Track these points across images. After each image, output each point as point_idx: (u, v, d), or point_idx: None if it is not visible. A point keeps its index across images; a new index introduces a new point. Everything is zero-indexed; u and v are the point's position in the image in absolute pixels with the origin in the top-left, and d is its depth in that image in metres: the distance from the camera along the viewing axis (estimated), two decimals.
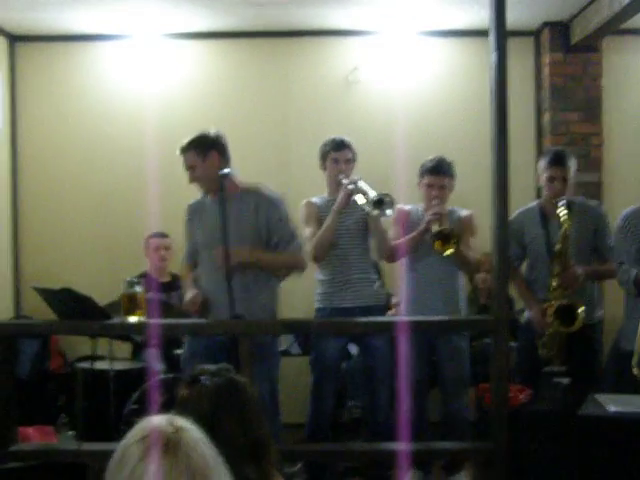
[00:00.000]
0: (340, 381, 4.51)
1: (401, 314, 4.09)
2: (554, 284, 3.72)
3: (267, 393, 3.52)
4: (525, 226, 3.93)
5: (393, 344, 3.96)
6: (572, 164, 3.90)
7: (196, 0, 4.75)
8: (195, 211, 3.71)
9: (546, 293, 3.78)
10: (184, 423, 1.39)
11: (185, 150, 3.61)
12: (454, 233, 3.79)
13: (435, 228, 3.82)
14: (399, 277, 4.14)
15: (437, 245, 3.79)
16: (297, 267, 3.67)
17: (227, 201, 3.49)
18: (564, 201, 3.70)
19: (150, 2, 4.71)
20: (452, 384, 3.99)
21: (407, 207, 4.08)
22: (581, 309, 3.67)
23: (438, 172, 3.94)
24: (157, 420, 1.38)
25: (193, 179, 3.60)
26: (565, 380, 3.59)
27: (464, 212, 4.05)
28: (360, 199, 3.77)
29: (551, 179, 3.83)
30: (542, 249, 3.84)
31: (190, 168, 3.59)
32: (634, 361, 3.36)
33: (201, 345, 3.54)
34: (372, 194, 3.70)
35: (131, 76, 5.44)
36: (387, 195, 3.68)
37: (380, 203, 3.68)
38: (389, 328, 3.67)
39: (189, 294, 3.60)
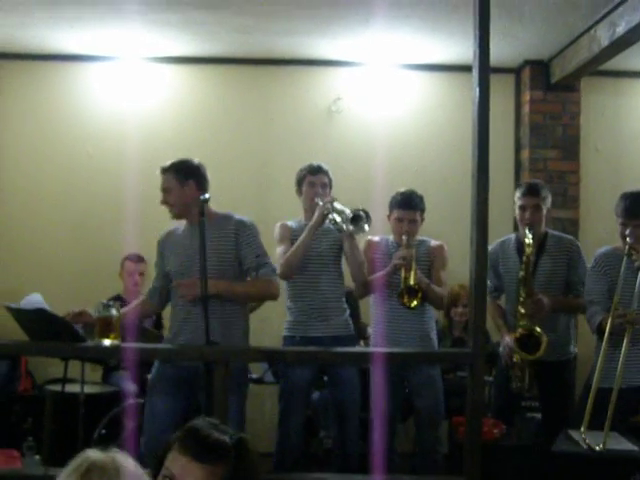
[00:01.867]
0: (312, 411, 4.48)
1: (373, 345, 4.07)
2: (519, 311, 3.76)
3: (235, 420, 3.48)
4: (500, 257, 3.99)
5: (364, 375, 3.96)
6: (546, 195, 3.97)
7: (182, 25, 4.76)
8: (165, 243, 3.69)
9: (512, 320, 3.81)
10: (120, 455, 1.50)
11: (165, 171, 3.61)
12: (419, 286, 3.79)
13: (402, 277, 3.80)
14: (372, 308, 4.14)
15: (404, 300, 3.79)
16: (268, 294, 3.62)
17: (195, 233, 3.51)
18: (531, 232, 3.79)
19: (136, 25, 4.71)
20: (426, 415, 3.97)
21: (376, 238, 4.07)
22: (544, 337, 3.69)
23: (408, 206, 3.92)
24: (93, 453, 1.51)
25: (165, 202, 3.60)
26: (537, 415, 3.60)
27: (434, 243, 4.05)
28: (336, 217, 3.76)
29: (523, 208, 3.91)
30: (515, 281, 3.87)
31: (165, 190, 3.59)
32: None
33: (170, 370, 3.49)
34: (347, 211, 3.71)
35: (114, 98, 5.43)
36: (362, 210, 3.69)
37: (356, 219, 3.69)
38: (365, 359, 3.67)
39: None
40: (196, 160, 3.65)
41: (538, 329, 3.72)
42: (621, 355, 3.40)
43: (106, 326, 3.24)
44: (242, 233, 3.54)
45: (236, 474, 1.72)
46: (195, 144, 5.22)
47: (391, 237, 4.04)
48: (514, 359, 3.75)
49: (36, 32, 4.91)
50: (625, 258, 3.63)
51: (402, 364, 3.89)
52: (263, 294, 3.65)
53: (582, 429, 3.23)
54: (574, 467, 3.22)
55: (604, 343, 3.48)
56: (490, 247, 3.81)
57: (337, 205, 3.80)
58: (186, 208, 3.56)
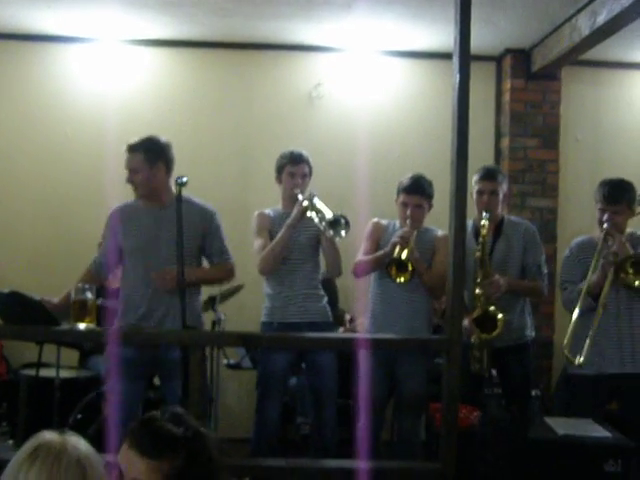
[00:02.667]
0: (289, 397, 4.48)
1: (365, 330, 4.05)
2: (477, 292, 3.79)
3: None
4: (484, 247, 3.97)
5: (343, 360, 3.96)
6: (502, 180, 3.99)
7: (161, 8, 4.70)
8: (120, 218, 3.65)
9: (469, 302, 3.83)
10: (73, 438, 1.55)
11: (134, 150, 3.60)
12: (410, 262, 3.73)
13: (396, 252, 3.75)
14: (358, 294, 4.12)
15: (392, 271, 3.74)
16: (231, 277, 3.83)
17: (164, 209, 3.53)
18: (488, 214, 3.83)
19: (115, 7, 4.65)
20: (409, 404, 3.96)
21: (384, 222, 4.02)
22: (500, 316, 3.73)
23: (413, 191, 3.86)
24: (48, 434, 1.56)
25: (133, 181, 3.58)
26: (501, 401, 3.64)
27: (440, 232, 3.99)
28: (314, 217, 3.75)
29: (480, 192, 3.93)
30: (474, 264, 3.87)
31: (133, 170, 3.58)
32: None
33: (129, 353, 3.45)
34: (327, 214, 3.67)
35: (92, 80, 5.37)
36: (342, 217, 3.65)
37: (335, 224, 3.66)
38: (343, 345, 3.66)
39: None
40: (163, 138, 3.65)
41: (492, 307, 3.75)
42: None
43: (81, 309, 3.21)
44: (208, 221, 3.63)
45: (188, 470, 1.62)
46: (174, 127, 5.17)
47: (397, 221, 4.01)
48: (472, 340, 3.77)
49: (13, 11, 4.83)
50: (600, 243, 3.67)
51: (390, 351, 3.87)
52: (227, 277, 3.84)
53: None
54: (549, 454, 3.25)
55: (598, 312, 3.54)
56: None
57: (317, 202, 3.77)
58: (152, 190, 3.58)
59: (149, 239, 3.55)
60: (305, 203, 3.77)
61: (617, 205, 3.67)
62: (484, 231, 3.79)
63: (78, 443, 1.54)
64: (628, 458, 3.22)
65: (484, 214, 3.85)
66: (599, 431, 3.36)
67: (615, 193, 3.68)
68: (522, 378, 3.96)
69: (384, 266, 3.81)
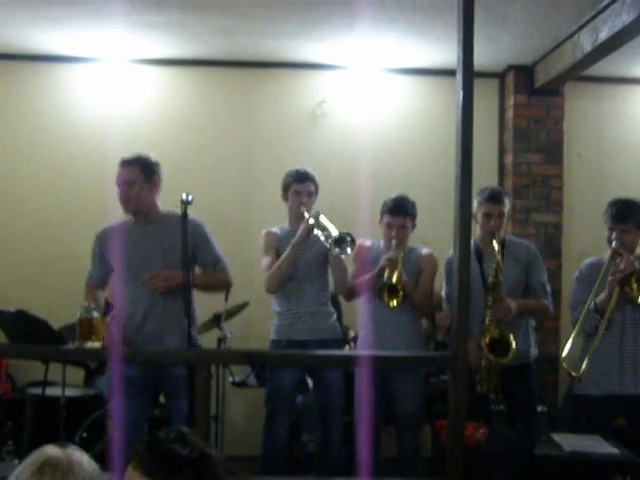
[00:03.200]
0: (295, 414, 4.47)
1: (359, 349, 4.07)
2: (488, 317, 3.79)
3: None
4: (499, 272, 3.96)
5: (348, 378, 3.96)
6: (507, 201, 3.99)
7: (165, 27, 4.74)
8: (107, 240, 3.70)
9: (481, 326, 3.83)
10: (76, 452, 1.53)
11: (130, 164, 3.63)
12: (401, 286, 3.78)
13: (385, 276, 3.80)
14: (357, 312, 4.13)
15: (384, 297, 3.79)
16: (223, 287, 3.86)
17: (151, 224, 3.60)
18: (497, 236, 3.85)
19: (119, 27, 4.69)
20: (407, 419, 3.97)
21: (368, 243, 4.07)
22: (513, 341, 3.74)
23: (398, 212, 3.92)
24: (50, 449, 1.53)
25: (127, 195, 3.59)
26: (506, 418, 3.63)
27: (424, 250, 4.04)
28: (320, 235, 3.76)
29: (487, 215, 3.91)
30: (477, 284, 3.87)
31: (127, 183, 3.60)
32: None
33: (130, 371, 3.45)
34: (333, 232, 3.68)
35: (97, 99, 5.40)
36: (348, 234, 3.66)
37: (340, 241, 3.68)
38: (347, 362, 3.66)
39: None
40: (152, 157, 3.72)
41: (510, 334, 3.76)
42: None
43: (88, 328, 3.22)
44: (197, 232, 3.64)
45: None
46: (179, 146, 5.22)
47: (382, 242, 4.04)
48: (482, 363, 3.77)
49: (18, 32, 4.87)
50: (607, 261, 3.69)
51: (385, 369, 3.88)
52: (221, 285, 3.84)
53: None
54: (556, 470, 3.24)
55: (599, 331, 3.56)
56: (446, 255, 3.88)
57: (322, 220, 3.79)
58: (143, 205, 3.63)
59: (140, 255, 3.59)
60: (311, 221, 3.78)
61: (625, 224, 3.69)
62: (499, 256, 3.79)
63: (82, 459, 1.53)
64: (636, 474, 3.21)
65: (494, 240, 3.84)
66: (606, 447, 3.35)
67: (623, 212, 3.69)
68: (526, 396, 3.95)
69: (372, 289, 3.86)
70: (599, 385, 3.68)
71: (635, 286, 3.52)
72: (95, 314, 3.24)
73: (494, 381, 3.80)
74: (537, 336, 4.16)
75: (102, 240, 3.72)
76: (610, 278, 3.63)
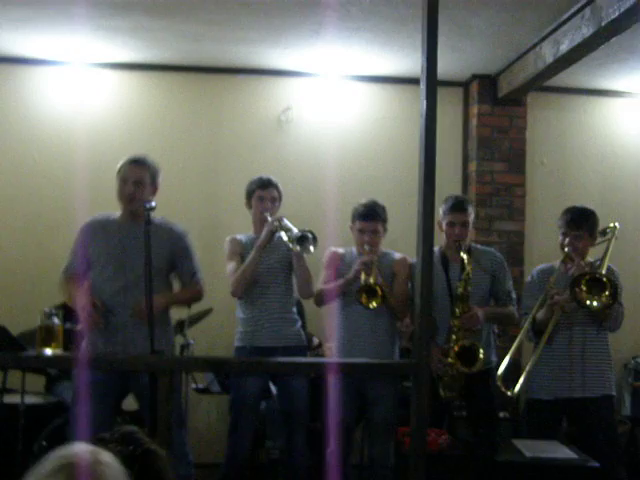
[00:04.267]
0: (259, 421, 4.46)
1: (333, 355, 4.06)
2: (456, 325, 3.81)
3: (174, 422, 3.47)
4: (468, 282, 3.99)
5: (313, 385, 3.96)
6: (471, 211, 4.03)
7: (130, 31, 4.71)
8: (93, 233, 3.65)
9: (447, 335, 3.85)
10: (105, 457, 1.41)
11: (141, 164, 3.63)
12: (379, 287, 3.78)
13: (362, 279, 3.80)
14: (325, 319, 4.13)
15: (362, 299, 3.78)
16: (195, 300, 3.88)
17: (138, 227, 3.53)
18: (464, 246, 3.88)
19: (84, 30, 4.65)
20: (379, 429, 3.97)
21: (341, 250, 4.08)
22: (481, 350, 3.77)
23: (369, 217, 3.93)
24: (79, 449, 1.41)
25: (135, 194, 3.56)
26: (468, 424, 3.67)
27: (397, 255, 4.06)
28: (283, 236, 3.76)
29: (451, 224, 3.95)
30: (442, 293, 3.91)
31: (138, 183, 3.59)
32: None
33: (97, 376, 3.43)
34: (295, 231, 3.71)
35: (61, 103, 5.33)
36: (309, 232, 3.68)
37: (303, 240, 3.68)
38: (311, 369, 3.66)
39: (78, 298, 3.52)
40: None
41: (478, 344, 3.79)
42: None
43: (48, 335, 3.17)
44: (180, 243, 3.68)
45: None
46: (143, 151, 5.09)
47: (354, 249, 4.04)
48: (448, 370, 3.80)
49: None
50: (558, 266, 3.76)
51: (356, 376, 3.89)
52: (195, 299, 3.87)
53: None
54: (517, 476, 3.27)
55: (538, 347, 3.62)
56: (413, 261, 3.89)
57: (285, 223, 3.80)
58: (141, 208, 3.56)
59: (121, 258, 3.57)
60: (274, 224, 3.79)
61: (579, 230, 3.77)
62: (469, 268, 3.80)
63: (108, 468, 1.43)
64: (593, 478, 3.26)
65: (461, 250, 3.86)
66: (566, 453, 3.40)
67: (577, 218, 3.78)
68: (488, 402, 3.98)
69: (347, 294, 3.86)
70: (549, 389, 3.75)
71: (585, 288, 3.58)
72: (56, 320, 3.20)
73: (458, 387, 3.83)
74: (501, 342, 4.21)
75: (83, 233, 3.66)
76: (549, 301, 3.69)
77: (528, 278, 3.98)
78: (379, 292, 3.76)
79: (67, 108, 5.32)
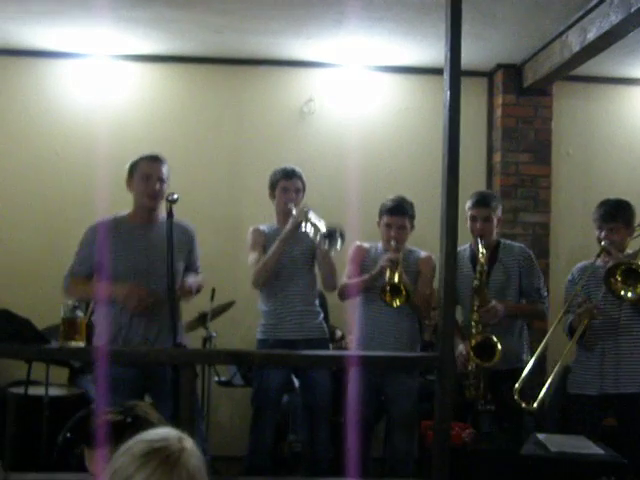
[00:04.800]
0: (282, 414, 4.45)
1: (353, 349, 4.04)
2: (474, 319, 3.78)
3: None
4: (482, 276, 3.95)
5: (336, 379, 3.94)
6: (496, 205, 3.99)
7: (152, 23, 4.70)
8: (113, 232, 3.58)
9: (467, 329, 3.83)
10: (189, 443, 1.46)
11: (163, 161, 3.63)
12: (404, 286, 3.74)
13: (387, 276, 3.76)
14: (348, 312, 4.11)
15: (386, 297, 3.75)
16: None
17: (156, 227, 3.54)
18: (483, 241, 3.84)
19: (105, 22, 4.64)
20: (400, 422, 3.94)
21: (366, 245, 4.05)
22: (499, 344, 3.72)
23: (397, 212, 3.90)
24: (166, 433, 1.47)
25: (160, 191, 3.53)
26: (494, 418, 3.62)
27: (423, 253, 4.02)
28: (309, 230, 3.73)
29: (473, 218, 3.93)
30: (467, 288, 3.88)
31: (161, 180, 3.57)
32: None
33: (115, 371, 3.41)
34: (322, 227, 3.65)
35: (83, 96, 5.35)
36: (338, 228, 3.63)
37: (330, 237, 3.65)
38: (333, 362, 3.64)
39: (118, 289, 3.47)
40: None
41: (494, 337, 3.74)
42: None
43: (71, 328, 3.18)
44: (192, 238, 3.69)
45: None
46: (165, 144, 5.14)
47: (380, 245, 4.01)
48: (469, 367, 3.76)
49: (1, 26, 4.82)
50: (594, 259, 3.69)
51: (379, 370, 3.86)
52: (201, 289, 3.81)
53: None
54: (543, 471, 3.23)
55: (576, 346, 3.56)
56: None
57: (311, 216, 3.75)
58: (159, 205, 3.57)
59: (143, 260, 3.52)
60: (300, 217, 3.76)
61: (614, 222, 3.69)
62: (482, 259, 3.79)
63: (192, 456, 1.46)
64: (621, 475, 3.20)
65: (479, 243, 3.85)
66: (592, 448, 3.34)
67: (612, 211, 3.70)
68: (517, 402, 3.92)
69: (370, 290, 3.84)
70: (589, 385, 3.69)
71: (620, 278, 3.52)
72: (79, 313, 3.20)
73: (482, 386, 3.78)
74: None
75: (94, 236, 3.59)
76: (578, 310, 3.62)
77: (569, 276, 3.90)
78: (403, 291, 3.74)
79: (89, 101, 5.33)
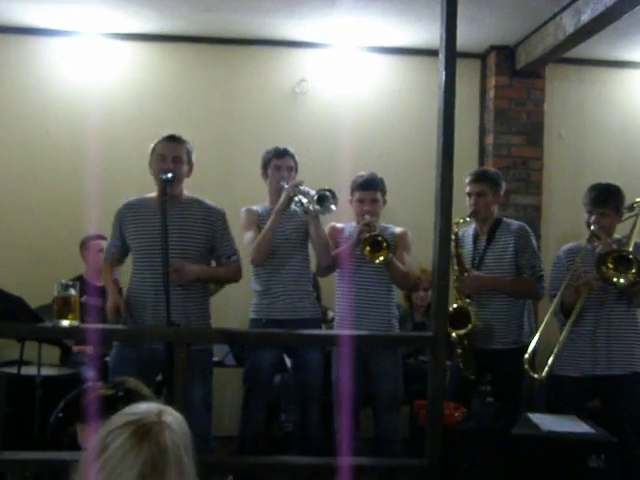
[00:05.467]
0: (273, 394, 4.46)
1: (337, 325, 4.06)
2: (455, 288, 3.83)
3: (201, 405, 3.48)
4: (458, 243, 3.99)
5: (328, 359, 3.96)
6: (494, 181, 4.01)
7: (145, 2, 4.66)
8: (127, 216, 3.61)
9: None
10: (169, 418, 1.47)
11: (180, 141, 3.61)
12: (385, 240, 3.76)
13: (367, 235, 3.80)
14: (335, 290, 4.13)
15: (367, 252, 3.76)
16: (237, 277, 3.75)
17: (177, 208, 3.50)
18: (475, 215, 3.92)
19: (98, 0, 4.60)
20: (385, 400, 3.98)
21: (340, 225, 4.08)
22: (472, 312, 3.76)
23: (368, 187, 3.93)
24: (147, 407, 1.48)
25: (173, 170, 3.49)
26: (491, 399, 3.64)
27: (398, 229, 4.05)
28: (303, 199, 3.74)
29: (469, 195, 3.97)
30: (469, 264, 3.94)
31: (177, 159, 3.54)
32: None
33: (132, 352, 3.45)
34: (313, 193, 3.68)
35: (74, 75, 5.30)
36: (328, 190, 3.67)
37: (323, 199, 3.67)
38: (327, 341, 3.65)
39: (110, 298, 3.53)
40: None
41: (468, 306, 3.79)
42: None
43: (64, 306, 3.15)
44: (217, 221, 3.64)
45: None
46: (156, 123, 5.12)
47: (354, 223, 4.02)
48: (458, 350, 3.79)
49: None
50: (585, 245, 3.71)
51: (363, 349, 3.88)
52: (234, 278, 3.76)
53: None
54: (533, 450, 3.26)
55: (566, 327, 3.57)
56: (562, 249, 3.94)
57: (302, 187, 3.78)
58: (179, 186, 3.57)
59: (157, 239, 3.44)
60: (292, 189, 3.76)
61: (604, 207, 3.71)
62: (456, 228, 3.82)
63: (168, 430, 1.45)
64: (611, 453, 3.24)
65: (469, 214, 3.90)
66: (582, 427, 3.38)
67: (602, 195, 3.73)
68: (515, 381, 3.94)
69: (351, 259, 3.86)
70: (576, 366, 3.72)
71: (612, 265, 3.54)
72: (72, 292, 3.18)
73: (471, 360, 3.83)
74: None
75: (123, 216, 3.62)
76: (576, 283, 3.64)
77: (555, 259, 3.93)
78: (384, 243, 3.74)
79: (79, 80, 5.29)
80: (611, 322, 3.72)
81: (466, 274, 3.85)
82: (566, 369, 3.74)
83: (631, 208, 3.84)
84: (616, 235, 3.78)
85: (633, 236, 3.68)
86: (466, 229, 4.10)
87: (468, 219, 3.92)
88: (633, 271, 3.47)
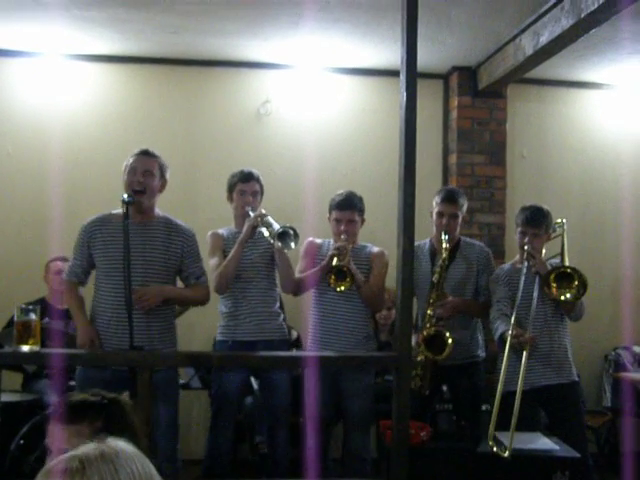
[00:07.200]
0: (246, 416, 4.43)
1: (306, 349, 4.06)
2: (429, 313, 3.86)
3: (167, 427, 3.44)
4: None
5: (295, 380, 3.94)
6: (463, 203, 4.07)
7: (107, 23, 4.64)
8: (104, 227, 3.53)
9: (422, 323, 3.90)
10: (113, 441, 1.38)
11: (151, 155, 3.57)
12: (348, 270, 3.78)
13: (334, 262, 3.81)
14: (301, 313, 4.12)
15: (331, 280, 3.79)
16: (205, 299, 3.72)
17: (144, 226, 3.48)
18: (447, 236, 3.93)
19: (61, 22, 4.58)
20: (356, 419, 3.97)
21: (318, 241, 4.09)
22: (450, 339, 3.79)
23: (346, 207, 3.94)
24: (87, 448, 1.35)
25: (145, 185, 3.47)
26: (452, 417, 3.66)
27: (375, 249, 4.07)
28: (265, 231, 3.73)
29: (440, 215, 4.01)
30: (425, 284, 3.98)
31: (148, 174, 3.51)
32: None
33: (96, 372, 3.40)
34: (276, 226, 3.68)
35: (36, 95, 5.25)
36: (291, 228, 3.66)
37: (284, 235, 3.66)
38: (292, 363, 3.64)
39: (81, 330, 3.47)
40: None
41: (447, 332, 3.82)
42: (522, 365, 3.62)
43: (25, 331, 3.11)
44: (186, 241, 3.60)
45: (107, 432, 1.60)
46: (120, 145, 5.10)
47: (332, 240, 4.03)
48: (418, 358, 3.82)
49: None
50: (525, 264, 3.79)
51: (336, 369, 3.88)
52: (202, 299, 3.72)
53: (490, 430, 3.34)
54: (499, 467, 3.27)
55: (506, 352, 3.62)
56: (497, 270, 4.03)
57: (267, 218, 3.77)
58: (149, 202, 3.53)
59: (122, 259, 3.41)
60: (256, 219, 3.76)
61: (538, 228, 3.85)
62: (445, 254, 3.87)
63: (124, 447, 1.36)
64: (575, 469, 3.27)
65: (444, 236, 3.93)
66: (547, 444, 3.40)
67: (536, 217, 3.88)
68: (472, 395, 4.00)
69: (322, 283, 3.86)
70: (516, 381, 3.77)
71: (554, 285, 3.66)
72: (33, 316, 3.14)
73: (428, 377, 3.85)
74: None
75: (91, 233, 3.53)
76: (518, 340, 3.68)
77: (493, 276, 4.03)
78: (347, 276, 3.77)
79: (41, 100, 5.24)
80: (551, 336, 3.84)
81: (448, 299, 3.89)
82: (511, 384, 3.78)
83: (554, 229, 3.98)
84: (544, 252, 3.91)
85: (565, 253, 3.86)
86: (417, 243, 4.12)
87: (447, 244, 3.93)
88: (576, 283, 3.61)
